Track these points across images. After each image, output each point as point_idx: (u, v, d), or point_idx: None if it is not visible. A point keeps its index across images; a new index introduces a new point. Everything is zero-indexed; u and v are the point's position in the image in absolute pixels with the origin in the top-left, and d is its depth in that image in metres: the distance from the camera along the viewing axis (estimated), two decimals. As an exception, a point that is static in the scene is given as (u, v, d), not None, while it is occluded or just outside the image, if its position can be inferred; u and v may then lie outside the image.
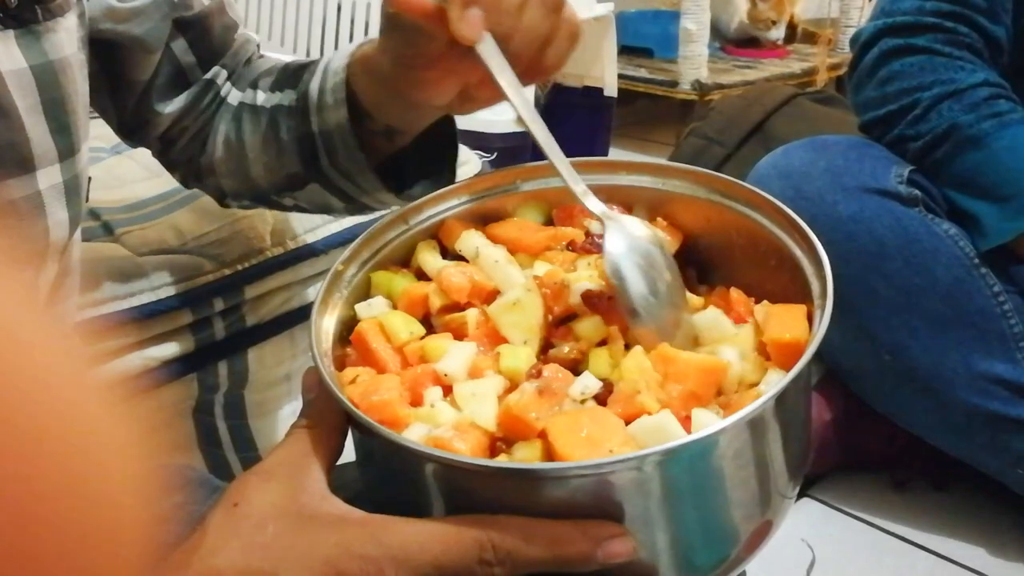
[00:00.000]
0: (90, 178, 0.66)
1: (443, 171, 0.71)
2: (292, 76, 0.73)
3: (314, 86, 0.68)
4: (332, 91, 0.66)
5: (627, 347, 0.50)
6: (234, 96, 0.76)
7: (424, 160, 0.71)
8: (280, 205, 0.78)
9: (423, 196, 0.71)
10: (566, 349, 0.48)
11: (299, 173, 0.71)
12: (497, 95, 0.56)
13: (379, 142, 0.67)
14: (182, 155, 0.78)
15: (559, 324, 0.52)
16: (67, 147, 0.56)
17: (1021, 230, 1.06)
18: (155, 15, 0.70)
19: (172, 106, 0.75)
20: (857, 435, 1.22)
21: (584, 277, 0.52)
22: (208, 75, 0.76)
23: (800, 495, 1.22)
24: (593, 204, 0.54)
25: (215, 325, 0.92)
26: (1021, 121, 1.08)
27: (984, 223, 1.08)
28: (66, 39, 0.55)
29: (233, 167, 0.75)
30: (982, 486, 1.15)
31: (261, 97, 0.74)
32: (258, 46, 0.81)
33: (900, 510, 1.19)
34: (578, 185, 0.54)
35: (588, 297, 0.51)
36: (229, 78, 0.77)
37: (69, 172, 0.56)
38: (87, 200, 0.64)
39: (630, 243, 0.52)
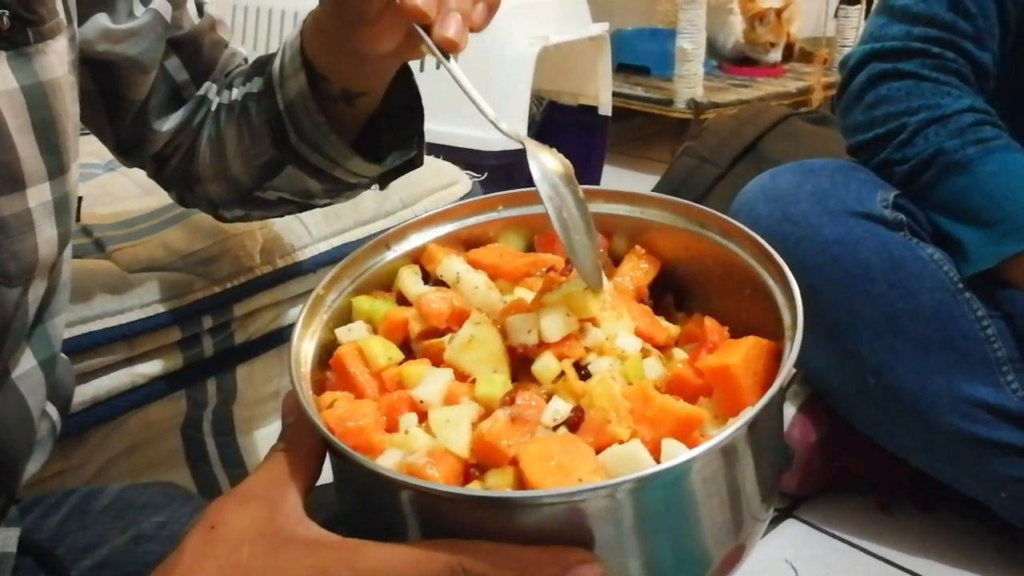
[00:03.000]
0: (81, 197, 0.67)
1: (413, 137, 0.73)
2: (261, 66, 0.76)
3: (276, 65, 0.71)
4: (290, 61, 0.69)
5: (582, 375, 0.51)
6: (215, 103, 0.79)
7: (395, 130, 0.73)
8: (266, 203, 0.79)
9: (395, 163, 0.74)
10: (534, 400, 0.49)
11: (273, 157, 0.73)
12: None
13: (340, 109, 0.69)
14: (176, 172, 0.80)
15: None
16: (57, 166, 0.57)
17: (1005, 255, 1.07)
18: (150, 35, 0.72)
19: (169, 123, 0.77)
20: (842, 457, 1.23)
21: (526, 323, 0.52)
22: (201, 91, 0.79)
23: (785, 516, 1.22)
24: (507, 127, 0.54)
25: (204, 342, 0.93)
26: (1006, 147, 1.09)
27: (968, 248, 1.09)
28: (56, 61, 0.56)
29: (217, 168, 0.77)
30: (966, 509, 1.16)
31: (235, 93, 0.77)
32: (246, 59, 0.83)
33: (884, 532, 1.19)
34: (491, 112, 0.54)
35: (516, 348, 0.52)
36: (217, 92, 0.79)
37: (59, 190, 0.57)
38: (79, 219, 0.65)
39: (542, 173, 0.52)
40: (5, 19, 0.52)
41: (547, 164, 0.53)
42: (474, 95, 0.54)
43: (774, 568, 1.12)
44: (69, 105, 0.58)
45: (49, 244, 0.57)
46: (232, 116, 0.76)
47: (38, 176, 0.55)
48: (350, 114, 0.70)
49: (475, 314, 0.53)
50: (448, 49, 0.53)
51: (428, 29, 0.53)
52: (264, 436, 1.05)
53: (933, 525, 1.20)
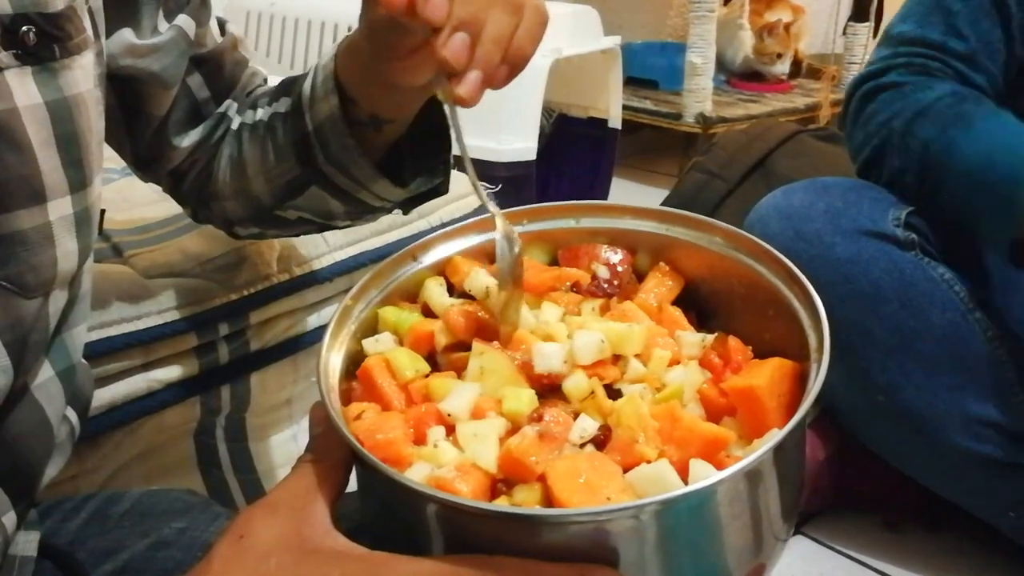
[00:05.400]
0: (103, 211, 0.67)
1: (438, 165, 0.74)
2: (288, 86, 0.76)
3: (306, 86, 0.71)
4: (322, 83, 0.69)
5: (612, 395, 0.51)
6: (236, 121, 0.79)
7: (420, 157, 0.74)
8: (284, 222, 0.79)
9: (421, 189, 0.74)
10: (561, 417, 0.49)
11: (297, 177, 0.73)
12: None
13: (368, 134, 0.70)
14: (192, 188, 0.80)
15: None
16: (79, 180, 0.56)
17: (1021, 208, 1.01)
18: (174, 51, 0.73)
19: (188, 140, 0.78)
20: (850, 475, 1.23)
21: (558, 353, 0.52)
22: (221, 109, 0.79)
23: (792, 532, 1.22)
24: (490, 204, 0.58)
25: (220, 349, 0.93)
26: (988, 115, 1.07)
27: (990, 217, 1.05)
28: (82, 76, 0.56)
29: (236, 187, 0.78)
30: (974, 529, 1.16)
31: (260, 113, 0.77)
32: (266, 79, 0.83)
33: (892, 550, 1.19)
34: (476, 181, 0.58)
35: (540, 377, 0.52)
36: (238, 111, 0.80)
37: (80, 204, 0.57)
38: (101, 231, 0.65)
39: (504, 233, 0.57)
40: (32, 35, 0.52)
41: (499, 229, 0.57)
42: (466, 157, 0.57)
43: (781, 585, 1.12)
44: (94, 120, 0.58)
45: (69, 257, 0.57)
46: (256, 135, 0.76)
47: (59, 190, 0.55)
48: (376, 139, 0.71)
49: (476, 345, 0.54)
50: (458, 104, 0.54)
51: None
52: (276, 443, 1.05)
53: (940, 545, 1.20)
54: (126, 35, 0.70)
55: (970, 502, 1.13)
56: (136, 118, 0.75)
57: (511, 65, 0.56)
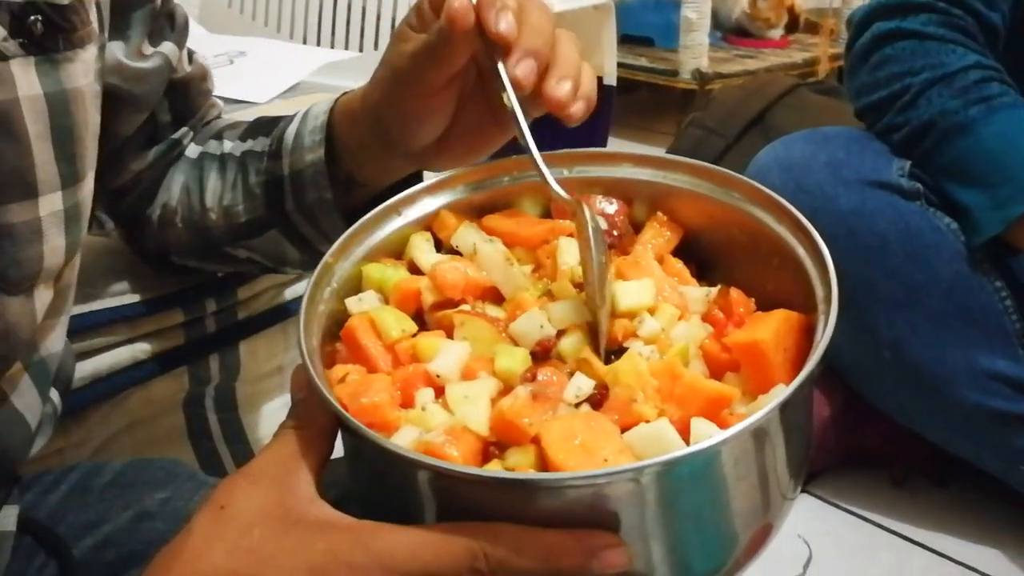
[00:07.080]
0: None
1: None
2: (266, 126, 0.74)
3: (291, 131, 0.69)
4: (311, 132, 0.68)
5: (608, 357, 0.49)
6: (192, 150, 0.77)
7: None
8: (230, 259, 0.77)
9: None
10: (555, 376, 0.47)
11: (261, 217, 0.72)
12: (472, 151, 0.61)
13: (338, 192, 0.68)
14: (129, 209, 0.78)
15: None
16: (71, 175, 0.56)
17: (1011, 218, 1.02)
18: (157, 79, 0.72)
19: (140, 163, 0.76)
20: (856, 431, 1.22)
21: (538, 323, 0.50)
22: (176, 135, 0.77)
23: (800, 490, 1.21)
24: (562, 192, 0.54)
25: (207, 319, 0.91)
26: (1012, 105, 1.05)
27: (975, 214, 1.05)
28: (82, 70, 0.56)
29: (187, 216, 0.75)
30: (981, 484, 1.15)
31: (228, 146, 0.75)
32: (220, 113, 0.83)
33: (898, 507, 1.18)
34: (548, 173, 0.55)
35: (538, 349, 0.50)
36: (195, 139, 0.79)
37: (71, 200, 0.56)
38: (89, 228, 0.63)
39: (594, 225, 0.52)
40: (39, 25, 0.51)
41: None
42: (534, 151, 0.55)
43: (787, 543, 1.11)
44: (90, 115, 0.58)
45: (56, 253, 0.55)
46: (223, 171, 0.74)
47: (51, 184, 0.54)
48: (342, 198, 0.68)
49: (456, 316, 0.51)
50: (515, 85, 0.53)
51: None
52: (268, 412, 1.03)
53: (948, 500, 1.19)
54: (116, 51, 0.68)
55: (979, 457, 1.12)
56: (100, 133, 0.73)
57: (585, 98, 0.57)
